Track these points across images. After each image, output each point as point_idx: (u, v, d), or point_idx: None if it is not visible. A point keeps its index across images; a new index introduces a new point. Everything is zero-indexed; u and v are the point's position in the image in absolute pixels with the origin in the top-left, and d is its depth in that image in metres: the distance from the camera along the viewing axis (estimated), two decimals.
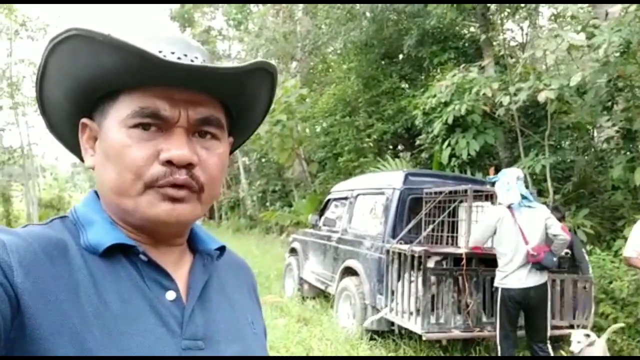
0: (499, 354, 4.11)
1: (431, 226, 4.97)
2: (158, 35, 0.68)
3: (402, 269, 4.65)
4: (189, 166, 0.65)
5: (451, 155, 8.18)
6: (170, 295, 0.65)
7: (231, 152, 0.78)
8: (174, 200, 0.64)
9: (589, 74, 5.67)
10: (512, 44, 10.54)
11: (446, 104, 7.66)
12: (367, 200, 5.87)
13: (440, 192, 5.02)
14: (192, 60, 0.67)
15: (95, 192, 0.72)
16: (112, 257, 0.64)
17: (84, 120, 0.70)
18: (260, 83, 0.71)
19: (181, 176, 0.64)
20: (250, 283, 0.85)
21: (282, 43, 15.14)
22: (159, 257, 0.67)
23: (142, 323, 0.61)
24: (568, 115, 8.54)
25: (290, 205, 13.43)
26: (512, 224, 4.01)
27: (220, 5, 20.96)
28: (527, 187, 4.93)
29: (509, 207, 4.06)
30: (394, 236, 5.05)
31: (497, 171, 8.41)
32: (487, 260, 4.73)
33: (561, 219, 5.03)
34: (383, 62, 12.13)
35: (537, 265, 3.93)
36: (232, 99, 0.71)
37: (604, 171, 7.82)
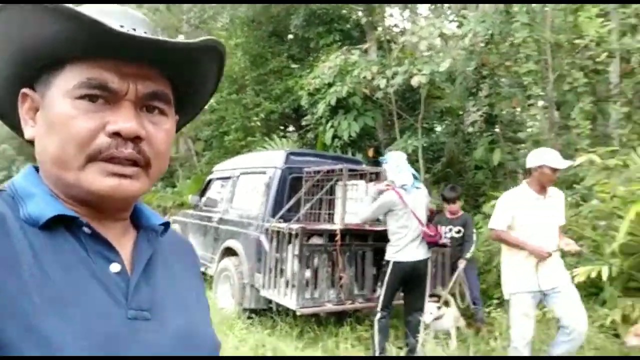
0: (377, 320, 4.32)
1: (309, 204, 5.06)
2: (108, 8, 0.67)
3: (280, 247, 4.69)
4: (136, 140, 0.64)
5: (334, 136, 8.39)
6: (115, 267, 0.64)
7: (176, 130, 0.75)
8: (121, 176, 0.63)
9: (457, 61, 6.10)
10: (396, 30, 11.00)
11: (329, 86, 7.80)
12: (249, 180, 5.81)
13: (319, 172, 5.11)
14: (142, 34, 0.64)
15: (34, 167, 0.69)
16: (54, 229, 0.62)
17: (25, 90, 0.68)
18: (209, 61, 0.70)
19: (127, 149, 0.63)
20: (193, 261, 0.84)
21: (165, 13, 14.29)
22: (102, 231, 0.65)
23: (87, 293, 0.60)
24: (441, 100, 9.19)
25: (174, 186, 12.87)
26: (404, 205, 4.26)
27: None
28: None
29: (402, 187, 4.29)
30: (274, 215, 5.07)
31: (376, 152, 8.85)
32: (360, 236, 4.96)
33: (457, 198, 5.44)
34: (271, 41, 11.98)
35: (432, 244, 4.32)
36: (180, 76, 0.70)
37: (470, 152, 8.55)
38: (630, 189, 4.57)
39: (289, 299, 4.46)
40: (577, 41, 5.54)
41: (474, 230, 5.37)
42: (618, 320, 4.41)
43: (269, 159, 5.64)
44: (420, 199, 4.39)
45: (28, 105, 0.68)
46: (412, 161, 8.65)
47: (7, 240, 0.58)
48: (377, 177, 5.09)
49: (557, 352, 3.59)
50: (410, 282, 4.39)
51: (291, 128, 12.97)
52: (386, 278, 4.29)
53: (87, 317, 0.58)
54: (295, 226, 4.54)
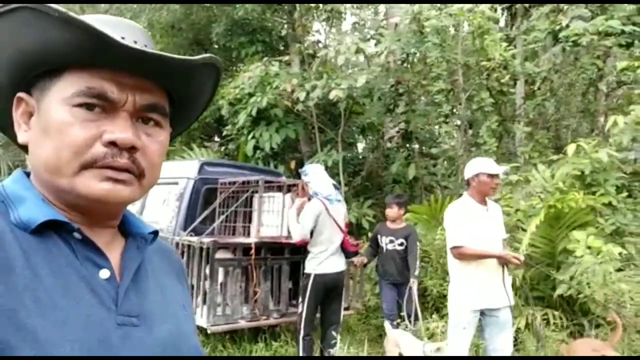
0: (301, 339, 4.21)
1: (222, 217, 4.88)
2: (107, 19, 0.68)
3: (191, 262, 4.46)
4: (131, 150, 0.64)
5: (255, 148, 8.26)
6: (104, 273, 0.65)
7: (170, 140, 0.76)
8: (115, 180, 0.64)
9: (374, 78, 6.24)
10: (320, 44, 11.13)
11: (250, 96, 7.69)
12: (161, 191, 5.50)
13: (234, 183, 4.95)
14: (143, 47, 0.65)
15: (23, 171, 0.70)
16: (44, 234, 0.62)
17: (21, 94, 0.68)
18: (207, 77, 0.72)
19: (123, 159, 0.64)
20: (179, 268, 0.84)
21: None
22: (92, 237, 0.66)
23: (77, 297, 0.60)
24: (361, 116, 9.38)
25: None
26: (327, 215, 4.22)
27: None
28: None
29: (326, 197, 4.25)
30: (186, 229, 4.82)
31: (298, 165, 8.82)
32: (276, 249, 4.84)
33: (398, 204, 5.13)
34: (193, 49, 11.66)
35: (353, 253, 4.33)
36: (178, 89, 0.71)
37: (388, 167, 8.78)
38: (530, 203, 4.86)
39: (199, 317, 4.23)
40: (484, 63, 5.87)
41: (418, 244, 5.02)
42: (522, 328, 4.64)
43: (182, 170, 5.39)
44: (340, 210, 4.40)
45: (23, 109, 0.69)
46: (333, 174, 8.76)
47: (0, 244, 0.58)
48: (296, 188, 5.02)
49: None
50: (330, 295, 4.34)
51: (216, 138, 12.63)
52: (307, 293, 4.20)
53: (77, 321, 0.58)
54: (206, 240, 4.34)
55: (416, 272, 4.78)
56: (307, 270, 4.24)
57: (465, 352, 3.46)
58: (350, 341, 4.81)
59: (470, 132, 7.20)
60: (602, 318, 4.47)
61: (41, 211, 0.63)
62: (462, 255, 3.48)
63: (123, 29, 0.68)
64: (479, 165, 3.59)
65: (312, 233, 4.21)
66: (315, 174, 4.40)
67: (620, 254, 4.53)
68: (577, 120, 7.09)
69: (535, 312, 4.69)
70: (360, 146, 10.72)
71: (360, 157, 10.20)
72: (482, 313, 3.52)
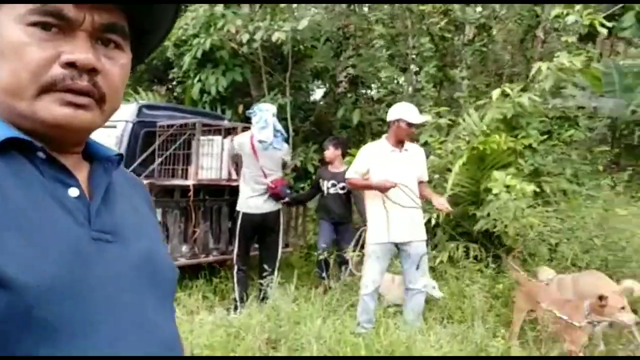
0: (235, 273, 4.48)
1: (160, 159, 4.96)
2: None
3: None
4: (91, 72, 0.62)
5: (202, 91, 8.18)
6: (73, 192, 0.63)
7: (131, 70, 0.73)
8: (76, 106, 0.62)
9: (317, 20, 6.22)
10: None
11: (195, 37, 7.53)
12: (100, 134, 5.45)
13: (172, 126, 5.00)
14: None
15: None
16: (8, 155, 0.60)
17: None
18: (169, 6, 0.69)
19: (83, 82, 0.61)
20: (146, 195, 0.83)
21: None
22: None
23: (49, 213, 0.59)
24: (310, 60, 9.35)
25: None
26: (253, 158, 4.38)
27: None
28: None
29: (259, 141, 4.38)
30: None
31: (246, 108, 8.81)
32: (215, 191, 5.00)
33: (334, 145, 5.28)
34: None
35: (274, 195, 4.47)
36: (137, 16, 0.67)
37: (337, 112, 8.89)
38: (458, 145, 5.14)
39: None
40: (422, 8, 5.94)
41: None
42: (445, 261, 5.05)
43: (120, 113, 5.30)
44: (274, 156, 4.54)
45: None
46: (281, 119, 8.82)
47: None
48: (234, 132, 5.12)
49: (408, 312, 3.79)
50: (262, 234, 4.59)
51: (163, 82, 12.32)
52: (237, 229, 4.45)
53: (52, 235, 0.57)
54: (144, 182, 4.44)
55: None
56: (237, 208, 4.48)
57: (375, 280, 3.78)
58: (289, 276, 5.12)
59: (414, 75, 7.36)
60: (516, 250, 4.90)
61: (2, 131, 0.60)
62: (352, 184, 3.95)
63: None
64: (401, 111, 3.77)
65: (238, 165, 4.44)
66: (259, 116, 4.48)
67: (535, 191, 4.94)
68: (514, 66, 7.35)
69: (459, 245, 5.10)
70: (319, 93, 10.73)
71: (312, 102, 10.26)
72: (397, 247, 3.81)
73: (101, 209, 0.66)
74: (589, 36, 6.52)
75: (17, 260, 0.53)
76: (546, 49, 7.04)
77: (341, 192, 5.11)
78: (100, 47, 0.65)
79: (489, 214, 4.78)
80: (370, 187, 3.79)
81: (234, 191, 4.92)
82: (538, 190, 5.03)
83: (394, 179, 3.69)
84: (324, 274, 4.96)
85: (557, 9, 5.92)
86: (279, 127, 4.66)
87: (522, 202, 4.59)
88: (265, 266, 4.45)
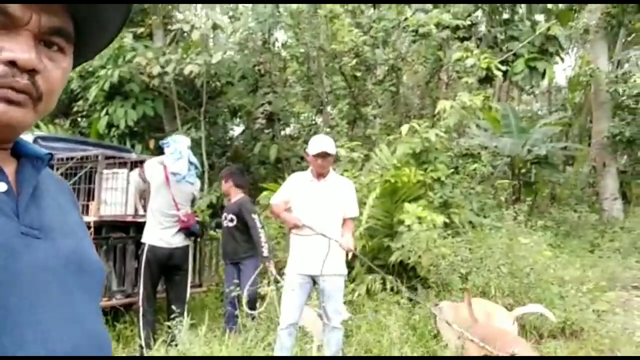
0: (141, 316, 4.11)
1: None
2: None
3: None
4: (32, 72, 0.61)
5: (110, 125, 7.78)
6: (1, 186, 0.63)
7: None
8: (9, 102, 0.61)
9: (231, 55, 6.20)
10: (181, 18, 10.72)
11: (103, 68, 7.19)
12: None
13: (72, 158, 4.63)
14: None
15: None
16: None
17: None
18: (118, 8, 0.69)
19: (23, 80, 0.61)
20: (72, 195, 0.81)
21: None
22: None
23: None
24: (226, 96, 9.30)
25: None
26: (165, 188, 4.15)
27: None
28: None
29: (172, 174, 4.16)
30: None
31: (158, 143, 8.48)
32: (120, 228, 4.65)
33: (225, 176, 4.86)
34: None
35: (185, 230, 4.22)
36: (85, 19, 0.68)
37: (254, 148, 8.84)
38: (371, 178, 5.25)
39: None
40: (334, 46, 6.15)
41: (255, 217, 4.50)
42: (363, 294, 5.02)
43: None
44: (185, 190, 4.35)
45: None
46: (195, 154, 8.60)
47: None
48: (141, 165, 4.84)
49: (326, 348, 3.63)
50: (169, 272, 4.30)
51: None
52: (142, 266, 4.13)
53: None
54: None
55: (264, 252, 4.38)
56: (142, 239, 4.18)
57: (291, 313, 3.61)
58: (202, 317, 4.80)
59: (329, 113, 7.52)
60: (429, 280, 5.00)
61: None
62: (272, 213, 3.89)
63: None
64: (309, 145, 3.76)
65: (146, 200, 4.18)
66: (175, 149, 4.27)
67: (445, 223, 5.13)
68: (421, 105, 7.77)
69: (376, 278, 5.11)
70: (238, 130, 10.63)
71: (228, 138, 10.13)
72: (313, 280, 3.69)
73: (30, 204, 0.65)
74: (487, 80, 7.09)
75: None
76: (450, 90, 7.54)
77: (230, 224, 4.60)
78: (43, 48, 0.64)
79: (403, 246, 4.87)
80: (284, 220, 3.75)
81: (141, 228, 4.60)
82: (448, 221, 5.24)
83: (309, 210, 3.62)
84: (236, 313, 4.60)
85: (457, 54, 6.40)
86: (194, 160, 4.47)
87: (433, 233, 4.73)
88: (174, 307, 4.14)
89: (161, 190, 4.17)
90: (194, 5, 9.51)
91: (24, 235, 0.62)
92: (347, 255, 3.70)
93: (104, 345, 0.70)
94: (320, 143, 3.68)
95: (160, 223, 4.13)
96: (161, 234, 4.13)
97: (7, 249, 0.59)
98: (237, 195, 4.69)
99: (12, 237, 0.61)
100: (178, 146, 4.29)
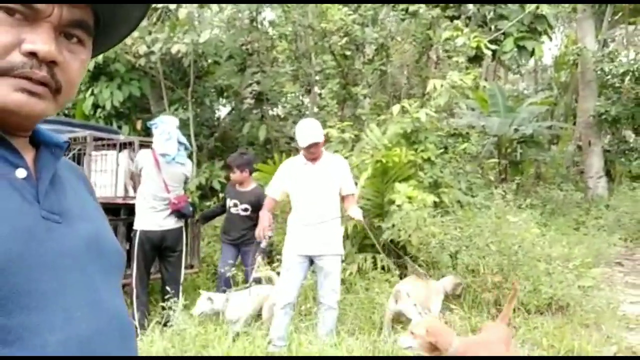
0: (135, 297, 4.12)
1: None
2: None
3: None
4: (51, 64, 0.62)
5: (95, 105, 7.64)
6: (21, 172, 0.64)
7: None
8: (30, 93, 0.61)
9: (218, 34, 6.10)
10: None
11: None
12: None
13: None
14: None
15: None
16: None
17: None
18: (138, 4, 0.71)
19: (41, 72, 0.62)
20: (87, 181, 0.83)
21: None
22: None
23: None
24: (213, 75, 9.17)
25: None
26: (156, 171, 4.11)
27: None
28: None
29: (162, 155, 4.12)
30: None
31: (145, 124, 8.38)
32: (110, 210, 4.61)
33: (239, 165, 4.76)
34: None
35: (177, 212, 4.20)
36: (105, 13, 0.69)
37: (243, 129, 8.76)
38: (362, 158, 5.26)
39: None
40: (323, 25, 6.08)
41: None
42: (354, 273, 5.08)
43: None
44: (176, 170, 4.31)
45: None
46: (183, 135, 8.51)
47: None
48: (130, 146, 4.79)
49: (320, 327, 3.68)
50: (163, 254, 4.30)
51: None
52: (135, 250, 4.12)
53: (3, 211, 0.57)
54: None
55: (263, 244, 4.34)
56: (134, 227, 4.16)
57: (288, 292, 3.66)
58: (195, 298, 4.82)
59: (317, 93, 7.47)
60: (419, 258, 5.07)
61: None
62: (265, 204, 3.84)
63: None
64: (297, 134, 3.70)
65: (139, 189, 4.14)
66: (162, 129, 4.22)
67: (435, 202, 5.17)
68: (412, 87, 7.76)
69: (367, 257, 5.17)
70: (225, 110, 10.51)
71: (216, 119, 10.03)
72: (311, 260, 3.75)
73: (49, 190, 0.66)
74: (476, 59, 7.08)
75: None
76: (439, 70, 7.52)
77: (243, 213, 4.69)
78: (62, 40, 0.65)
79: (393, 225, 4.91)
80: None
81: (131, 210, 4.57)
82: (438, 200, 5.29)
83: (305, 193, 3.65)
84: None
85: (447, 33, 6.37)
86: (183, 139, 4.43)
87: (423, 212, 4.77)
88: (168, 288, 4.15)
89: (151, 174, 4.14)
90: None
91: (44, 219, 0.63)
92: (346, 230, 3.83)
93: (126, 326, 0.71)
94: (307, 135, 3.61)
95: (152, 207, 4.11)
96: (153, 217, 4.11)
97: (29, 233, 0.60)
98: (251, 184, 4.79)
99: (34, 221, 0.61)
100: (166, 127, 4.24)
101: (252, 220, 4.59)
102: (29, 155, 0.69)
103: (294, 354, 3.21)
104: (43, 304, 0.59)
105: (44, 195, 0.65)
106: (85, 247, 0.68)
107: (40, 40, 0.61)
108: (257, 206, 4.47)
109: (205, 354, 3.30)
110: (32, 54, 0.61)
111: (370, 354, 3.45)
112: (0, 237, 0.56)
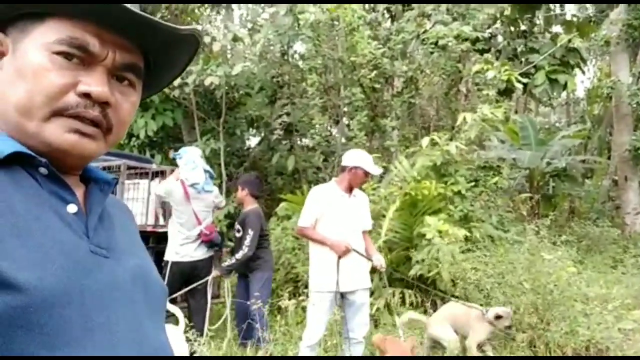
0: None
1: None
2: None
3: None
4: (103, 104, 0.65)
5: (130, 135, 7.87)
6: (72, 208, 0.65)
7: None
8: (82, 134, 0.65)
9: (250, 67, 6.24)
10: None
11: None
12: None
13: None
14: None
15: None
16: (11, 168, 0.62)
17: None
18: (186, 50, 0.73)
19: (94, 111, 0.65)
20: (132, 218, 0.86)
21: None
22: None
23: (50, 225, 0.61)
24: (244, 107, 9.35)
25: None
26: (186, 202, 4.19)
27: None
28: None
29: (192, 186, 4.20)
30: None
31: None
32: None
33: (241, 184, 4.58)
34: None
35: (208, 242, 4.25)
36: (155, 56, 0.73)
37: (272, 159, 8.85)
38: (390, 191, 5.21)
39: None
40: (353, 59, 6.15)
41: (251, 233, 4.21)
42: (382, 308, 4.96)
43: None
44: (208, 200, 4.38)
45: None
46: (214, 164, 8.63)
47: None
48: (162, 175, 4.88)
49: None
50: (191, 282, 4.31)
51: None
52: (166, 280, 4.13)
53: (53, 244, 0.59)
54: None
55: (226, 264, 4.22)
56: (165, 257, 4.19)
57: (318, 330, 3.56)
58: (221, 329, 4.78)
59: (346, 125, 7.51)
60: (450, 294, 4.93)
61: (7, 145, 0.62)
62: (304, 235, 3.71)
63: None
64: (360, 159, 3.62)
65: (168, 215, 4.19)
66: (187, 159, 4.30)
67: (465, 236, 5.05)
68: (440, 119, 7.73)
69: (395, 292, 5.05)
70: (254, 140, 10.67)
71: (246, 148, 10.17)
72: (341, 295, 3.64)
73: (98, 225, 0.69)
74: (506, 92, 7.02)
75: (21, 265, 0.55)
76: (468, 103, 7.49)
77: (237, 235, 4.35)
78: (115, 83, 0.69)
79: (423, 260, 4.81)
80: (324, 244, 3.53)
81: (161, 238, 4.62)
82: (469, 235, 5.17)
83: (338, 225, 3.55)
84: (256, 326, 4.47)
85: (477, 66, 6.36)
86: (208, 167, 4.51)
87: (455, 247, 4.67)
88: (195, 319, 4.14)
89: (181, 206, 4.19)
90: (214, 17, 9.64)
91: (93, 254, 0.65)
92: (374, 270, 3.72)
93: None
94: (374, 165, 3.66)
95: (185, 238, 4.16)
96: (185, 248, 4.17)
97: (79, 266, 0.62)
98: (250, 205, 4.44)
99: (83, 256, 0.63)
100: (190, 156, 4.33)
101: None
102: (79, 192, 0.72)
103: None
104: (89, 339, 0.60)
105: (93, 230, 0.67)
106: (132, 282, 0.69)
107: (95, 82, 0.65)
108: (243, 224, 4.27)
109: None
110: (86, 95, 0.65)
111: None
112: (50, 271, 0.57)
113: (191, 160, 4.28)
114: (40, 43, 0.65)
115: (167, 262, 4.17)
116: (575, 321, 4.40)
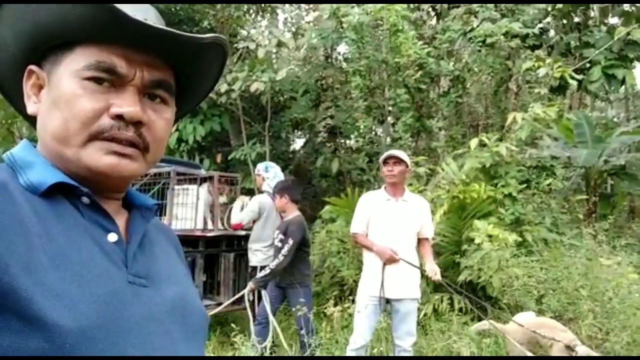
0: (254, 324, 4.12)
1: None
2: None
3: None
4: (137, 124, 0.66)
5: (180, 140, 8.10)
6: (112, 237, 0.66)
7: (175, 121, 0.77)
8: (120, 155, 0.65)
9: (295, 71, 6.29)
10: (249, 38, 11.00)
11: None
12: None
13: (146, 175, 4.83)
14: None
15: (29, 141, 0.71)
16: (53, 198, 0.64)
17: (32, 67, 0.70)
18: (214, 58, 0.73)
19: (129, 132, 0.66)
20: (176, 242, 0.85)
21: None
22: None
23: (89, 255, 0.62)
24: (289, 110, 9.43)
25: None
26: (275, 217, 4.53)
27: None
28: None
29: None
30: None
31: (225, 158, 8.73)
32: (189, 242, 4.79)
33: (279, 190, 4.36)
34: None
35: None
36: (185, 69, 0.72)
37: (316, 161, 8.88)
38: (437, 194, 5.10)
39: None
40: (397, 60, 6.07)
41: (290, 242, 4.02)
42: (429, 314, 4.87)
43: None
44: None
45: (33, 81, 0.70)
46: None
47: (12, 204, 0.59)
48: (210, 180, 5.00)
49: None
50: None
51: None
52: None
53: (91, 275, 0.60)
54: None
55: (261, 274, 4.06)
56: (260, 263, 4.40)
57: (363, 335, 3.56)
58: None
59: (391, 123, 7.42)
60: (500, 301, 4.77)
61: (51, 175, 0.64)
62: (356, 241, 3.76)
63: (135, 7, 0.68)
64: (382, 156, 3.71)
65: (255, 227, 4.54)
66: (272, 172, 4.70)
67: (517, 241, 4.87)
68: (489, 117, 7.50)
69: (444, 297, 4.94)
70: (299, 143, 10.76)
71: (291, 151, 10.26)
72: (388, 301, 3.61)
73: (137, 254, 0.69)
74: (559, 89, 6.73)
75: (59, 301, 0.55)
76: (519, 101, 7.23)
77: (278, 244, 4.09)
78: (147, 101, 0.69)
79: (472, 265, 4.68)
80: (371, 250, 3.56)
81: (210, 242, 4.73)
82: (520, 239, 4.98)
83: (385, 230, 3.53)
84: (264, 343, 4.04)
85: (528, 63, 6.12)
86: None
87: (505, 252, 4.51)
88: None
89: (270, 219, 4.51)
90: (259, 23, 9.77)
91: (131, 284, 0.65)
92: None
93: None
94: (390, 151, 3.73)
95: (271, 247, 4.37)
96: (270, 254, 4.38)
97: (116, 299, 0.62)
98: (292, 213, 4.24)
99: (121, 287, 0.63)
100: (275, 170, 4.75)
101: (293, 257, 4.10)
102: (121, 219, 0.72)
103: None
104: None
105: (132, 259, 0.67)
106: (170, 311, 0.69)
107: (126, 103, 0.66)
108: (285, 233, 4.09)
109: None
110: (120, 117, 0.65)
111: None
112: (87, 304, 0.58)
113: (276, 173, 4.69)
114: (70, 71, 0.66)
115: (263, 267, 4.24)
116: (638, 332, 4.16)
